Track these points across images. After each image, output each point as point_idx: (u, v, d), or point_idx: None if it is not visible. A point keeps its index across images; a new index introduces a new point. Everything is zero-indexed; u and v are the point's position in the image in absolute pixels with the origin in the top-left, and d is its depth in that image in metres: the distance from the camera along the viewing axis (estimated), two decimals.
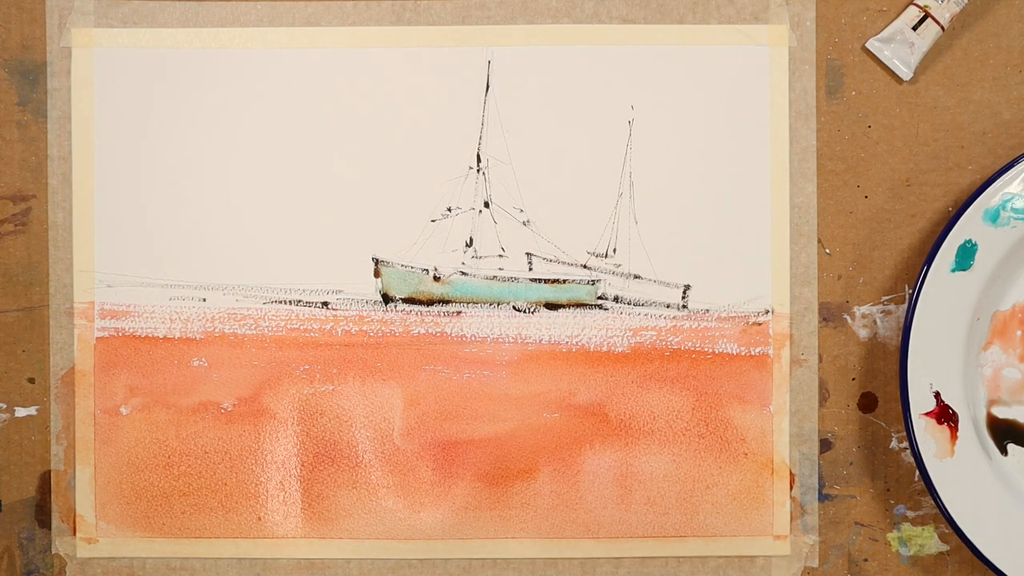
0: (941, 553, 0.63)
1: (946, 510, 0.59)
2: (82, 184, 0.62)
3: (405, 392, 0.63)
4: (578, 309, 0.63)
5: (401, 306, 0.63)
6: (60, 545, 0.63)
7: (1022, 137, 0.62)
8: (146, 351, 0.63)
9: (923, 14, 0.61)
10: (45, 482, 0.63)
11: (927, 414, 0.60)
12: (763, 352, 0.62)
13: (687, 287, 0.63)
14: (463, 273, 0.63)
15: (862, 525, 0.63)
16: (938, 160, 0.62)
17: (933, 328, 0.60)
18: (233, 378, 0.63)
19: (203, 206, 0.63)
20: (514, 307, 0.63)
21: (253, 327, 0.63)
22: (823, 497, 0.63)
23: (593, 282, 0.63)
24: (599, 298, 0.63)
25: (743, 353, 0.62)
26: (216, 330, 0.63)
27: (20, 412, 0.63)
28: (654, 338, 0.63)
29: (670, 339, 0.63)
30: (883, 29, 0.62)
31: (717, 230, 0.62)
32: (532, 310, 0.63)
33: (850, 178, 0.63)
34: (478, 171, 0.63)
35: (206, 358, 0.63)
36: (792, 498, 0.63)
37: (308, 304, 0.63)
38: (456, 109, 0.62)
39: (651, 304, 0.63)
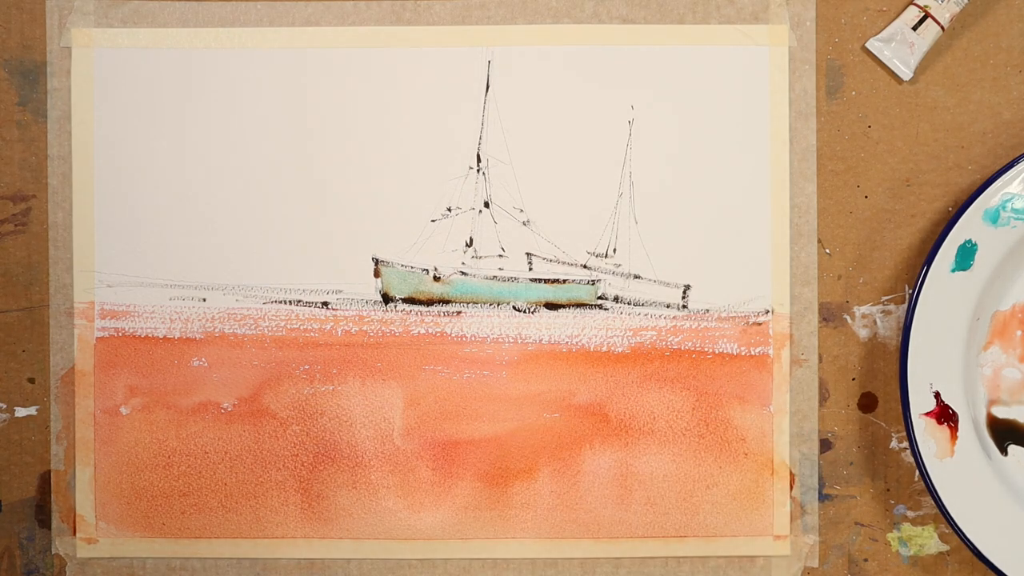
0: (941, 553, 0.63)
1: (946, 510, 0.59)
2: (82, 184, 0.62)
3: (405, 392, 0.63)
4: (578, 309, 0.63)
5: (401, 306, 0.63)
6: (60, 545, 0.63)
7: (1022, 137, 0.62)
8: (146, 351, 0.63)
9: (923, 14, 0.61)
10: (45, 482, 0.63)
11: (927, 414, 0.60)
12: (763, 352, 0.62)
13: (687, 287, 0.63)
14: (463, 273, 0.63)
15: (862, 525, 0.63)
16: (938, 160, 0.62)
17: (933, 328, 0.60)
18: (233, 378, 0.63)
19: (203, 206, 0.63)
20: (514, 307, 0.63)
21: (253, 327, 0.63)
22: (823, 497, 0.63)
23: (593, 282, 0.63)
24: (599, 298, 0.63)
25: (743, 353, 0.63)
26: (216, 330, 0.63)
27: (20, 412, 0.63)
28: (654, 338, 0.63)
29: (670, 339, 0.63)
30: (883, 29, 0.62)
31: (717, 230, 0.62)
32: (532, 310, 0.63)
33: (850, 178, 0.63)
34: (478, 171, 0.63)
35: (206, 358, 0.63)
36: (792, 498, 0.63)
37: (308, 304, 0.63)
38: (456, 109, 0.62)
39: (651, 304, 0.63)
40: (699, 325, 0.63)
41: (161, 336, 0.63)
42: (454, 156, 0.63)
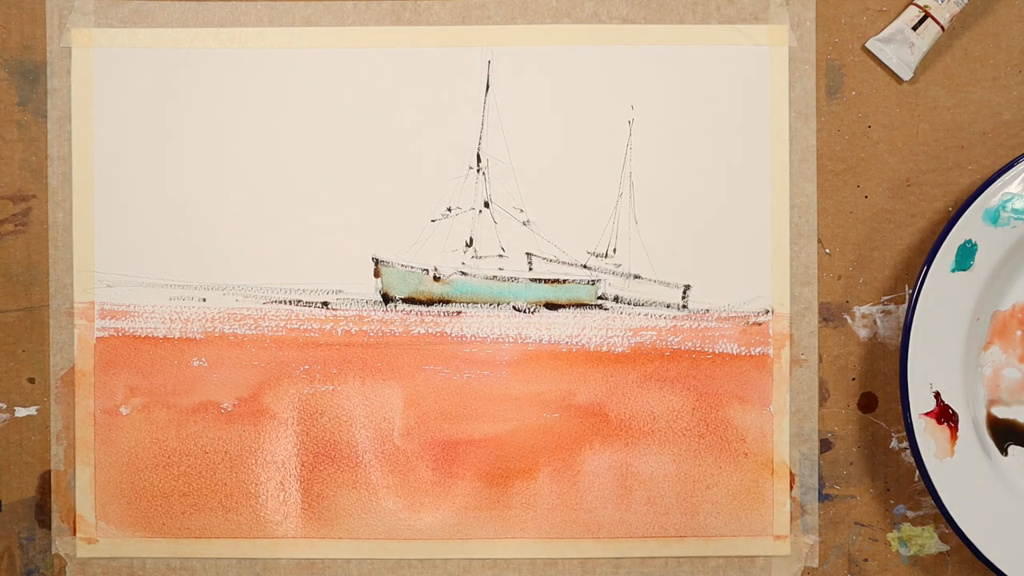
0: (941, 553, 0.63)
1: (946, 510, 0.59)
2: (82, 184, 0.62)
3: (405, 392, 0.63)
4: (578, 309, 0.63)
5: (401, 306, 0.63)
6: (60, 545, 0.63)
7: (1022, 137, 0.62)
8: (146, 351, 0.63)
9: (923, 14, 0.61)
10: (45, 482, 0.63)
11: (927, 414, 0.60)
12: (763, 352, 0.62)
13: (687, 287, 0.63)
14: (463, 273, 0.63)
15: (862, 525, 0.63)
16: (938, 160, 0.62)
17: (933, 328, 0.60)
18: (233, 378, 0.63)
19: (203, 206, 0.63)
20: (514, 307, 0.63)
21: (253, 327, 0.63)
22: (823, 497, 0.63)
23: (593, 282, 0.63)
24: (599, 298, 0.63)
25: (743, 353, 0.62)
26: (216, 330, 0.63)
27: (20, 412, 0.63)
28: (654, 338, 0.63)
29: (670, 339, 0.63)
30: (883, 29, 0.62)
31: (717, 230, 0.62)
32: (532, 310, 0.63)
33: (850, 178, 0.63)
34: (478, 171, 0.63)
35: (206, 358, 0.63)
36: (792, 498, 0.63)
37: (308, 304, 0.63)
38: (456, 109, 0.62)
39: (651, 304, 0.63)
40: (699, 325, 0.63)
41: (161, 336, 0.63)
42: (454, 156, 0.63)
